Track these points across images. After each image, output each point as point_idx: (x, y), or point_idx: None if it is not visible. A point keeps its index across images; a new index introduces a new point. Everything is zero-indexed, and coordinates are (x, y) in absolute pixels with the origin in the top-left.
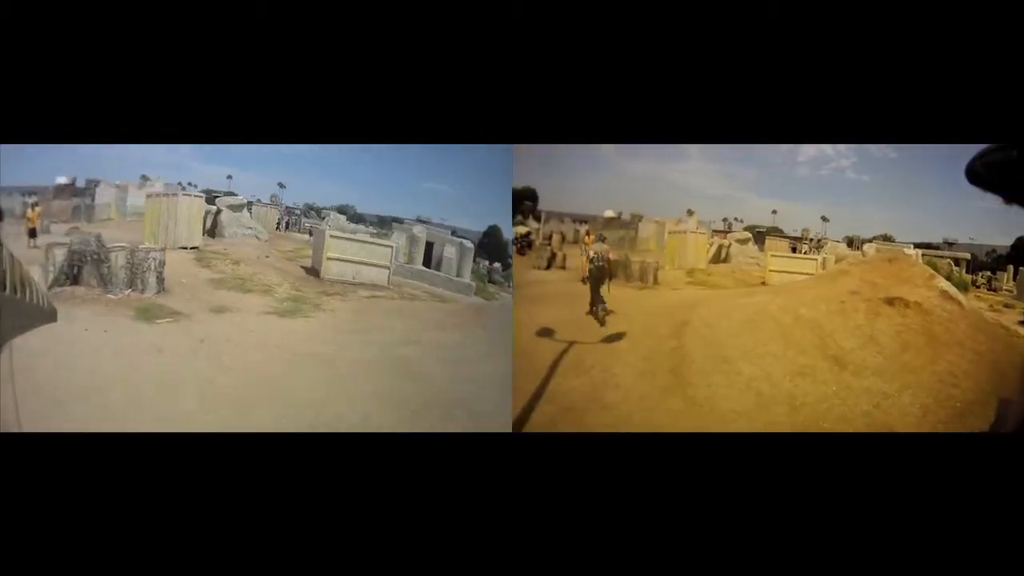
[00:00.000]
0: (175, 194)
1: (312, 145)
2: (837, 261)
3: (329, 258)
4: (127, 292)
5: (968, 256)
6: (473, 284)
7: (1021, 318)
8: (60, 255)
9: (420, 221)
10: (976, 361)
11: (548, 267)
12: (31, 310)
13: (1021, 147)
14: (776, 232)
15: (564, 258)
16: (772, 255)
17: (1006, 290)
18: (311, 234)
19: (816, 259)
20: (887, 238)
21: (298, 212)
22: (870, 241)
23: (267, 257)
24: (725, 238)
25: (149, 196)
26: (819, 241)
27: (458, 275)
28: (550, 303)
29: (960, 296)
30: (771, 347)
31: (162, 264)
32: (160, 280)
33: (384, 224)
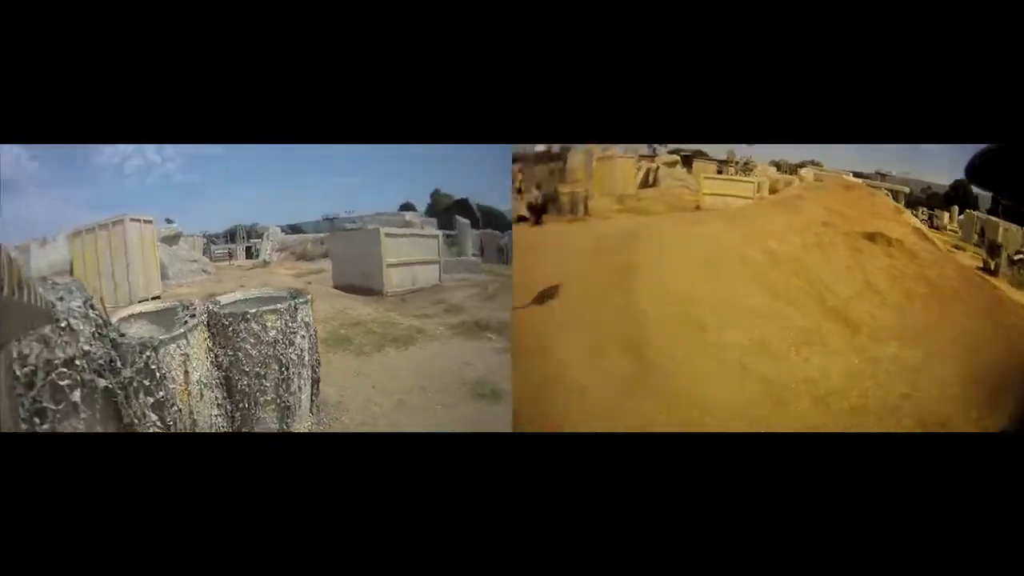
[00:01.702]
0: (120, 221)
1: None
2: (775, 188)
3: (390, 265)
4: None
5: (906, 190)
6: (480, 261)
7: (975, 264)
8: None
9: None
10: (982, 322)
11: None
12: (30, 311)
13: (1021, 147)
14: (701, 156)
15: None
16: (705, 176)
17: (951, 230)
18: (259, 256)
19: (752, 182)
20: (815, 164)
21: (218, 237)
22: (802, 166)
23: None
24: (653, 162)
25: (74, 235)
26: (746, 163)
27: (461, 254)
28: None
29: (932, 235)
30: (753, 300)
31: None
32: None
33: (333, 225)
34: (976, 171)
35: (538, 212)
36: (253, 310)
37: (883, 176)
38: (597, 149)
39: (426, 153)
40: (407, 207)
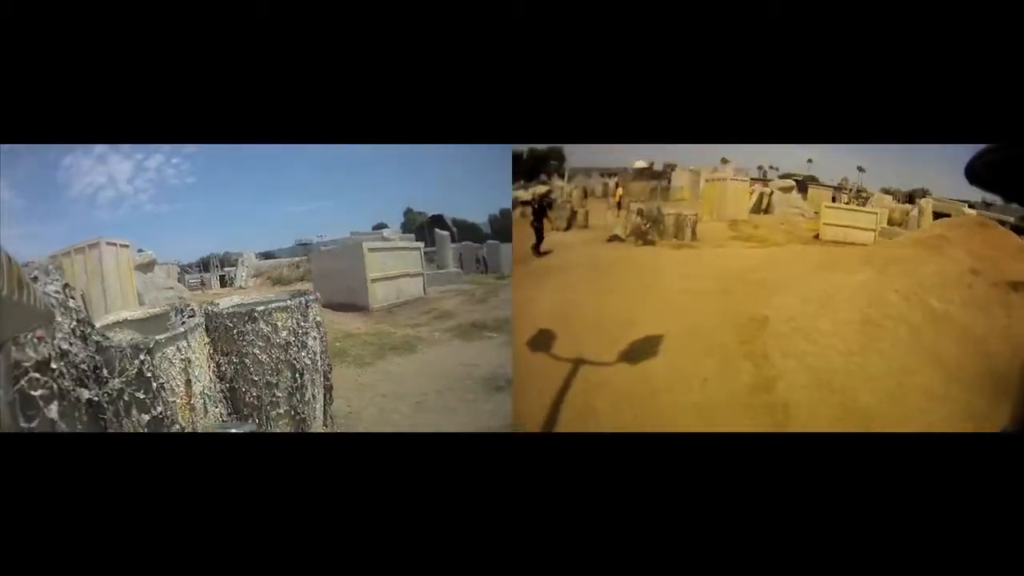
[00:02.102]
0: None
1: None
2: (892, 217)
3: (374, 280)
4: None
5: (1011, 219)
6: (462, 271)
7: None
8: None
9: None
10: None
11: (568, 227)
12: (29, 311)
13: (1020, 146)
14: (814, 182)
15: (587, 215)
16: (827, 206)
17: None
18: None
19: (874, 212)
20: (925, 192)
21: (192, 266)
22: (923, 195)
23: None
24: (766, 186)
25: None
26: (859, 191)
27: (441, 267)
28: (556, 280)
29: None
30: (921, 378)
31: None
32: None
33: (308, 250)
34: (976, 171)
35: (568, 221)
36: (261, 307)
37: (988, 205)
38: (706, 170)
39: (392, 171)
40: (380, 227)
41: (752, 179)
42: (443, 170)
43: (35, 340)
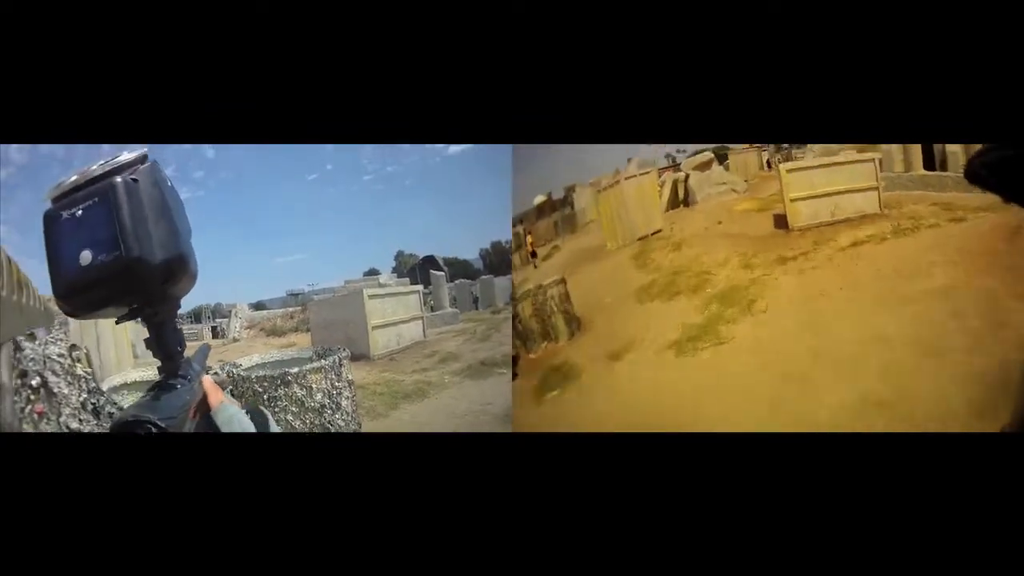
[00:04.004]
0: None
1: None
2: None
3: (375, 327)
4: None
5: None
6: (458, 311)
7: None
8: None
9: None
10: None
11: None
12: (29, 312)
13: (1019, 146)
14: (728, 149)
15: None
16: (790, 169)
17: None
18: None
19: (870, 159)
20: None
21: (183, 318)
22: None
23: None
24: (678, 171)
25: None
26: (788, 152)
27: (437, 307)
28: None
29: None
30: None
31: None
32: None
33: (300, 300)
34: (975, 171)
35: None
36: (294, 369)
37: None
38: (606, 177)
39: (378, 217)
40: (373, 272)
41: (661, 169)
42: (428, 208)
43: (35, 416)
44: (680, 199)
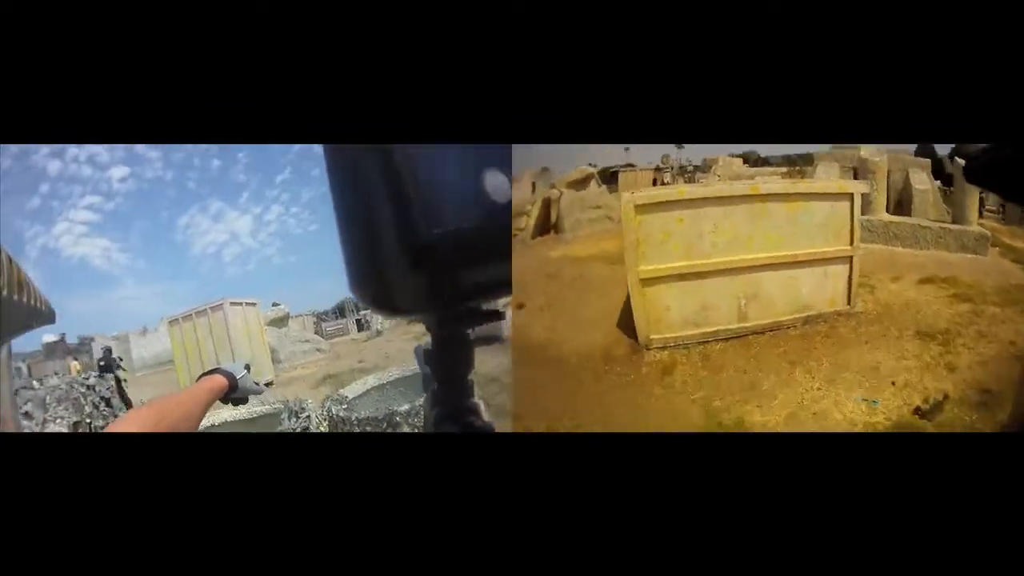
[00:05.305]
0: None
1: None
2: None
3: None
4: None
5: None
6: None
7: None
8: None
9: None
10: None
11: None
12: (29, 311)
13: (1017, 145)
14: (629, 168)
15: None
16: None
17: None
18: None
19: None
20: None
21: (328, 314)
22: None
23: None
24: (552, 188)
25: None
26: (688, 168)
27: None
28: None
29: None
30: None
31: None
32: None
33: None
34: (975, 171)
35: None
36: (404, 408)
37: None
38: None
39: None
40: None
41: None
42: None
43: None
44: (550, 224)
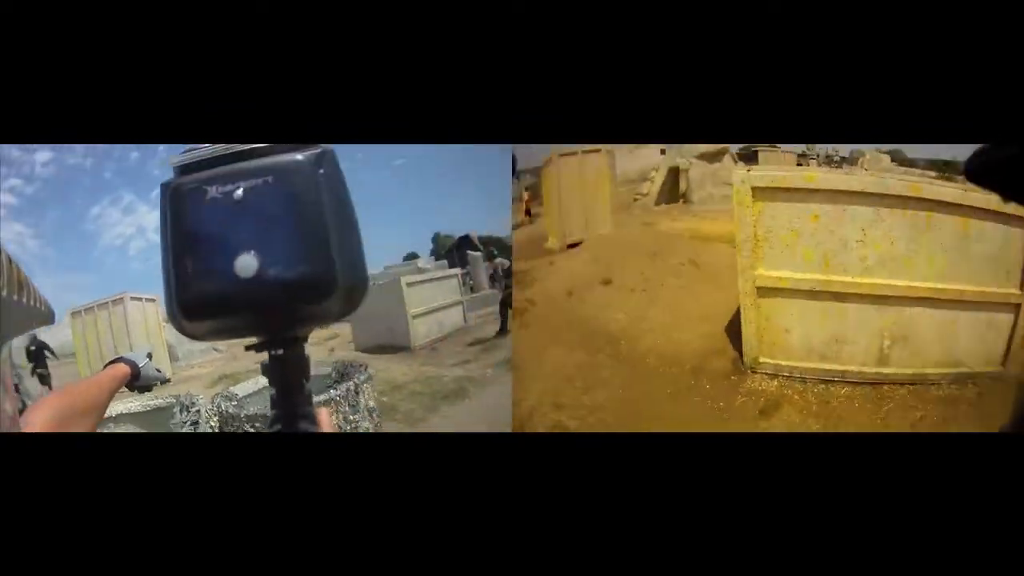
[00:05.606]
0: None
1: None
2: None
3: (415, 316)
4: None
5: None
6: (497, 291)
7: None
8: None
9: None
10: None
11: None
12: (29, 311)
13: (1017, 145)
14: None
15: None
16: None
17: None
18: None
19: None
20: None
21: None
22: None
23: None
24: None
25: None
26: (835, 157)
27: (476, 289)
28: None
29: None
30: None
31: None
32: None
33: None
34: (974, 170)
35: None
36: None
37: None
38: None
39: (413, 200)
40: (412, 256)
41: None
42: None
43: None
44: (681, 193)
